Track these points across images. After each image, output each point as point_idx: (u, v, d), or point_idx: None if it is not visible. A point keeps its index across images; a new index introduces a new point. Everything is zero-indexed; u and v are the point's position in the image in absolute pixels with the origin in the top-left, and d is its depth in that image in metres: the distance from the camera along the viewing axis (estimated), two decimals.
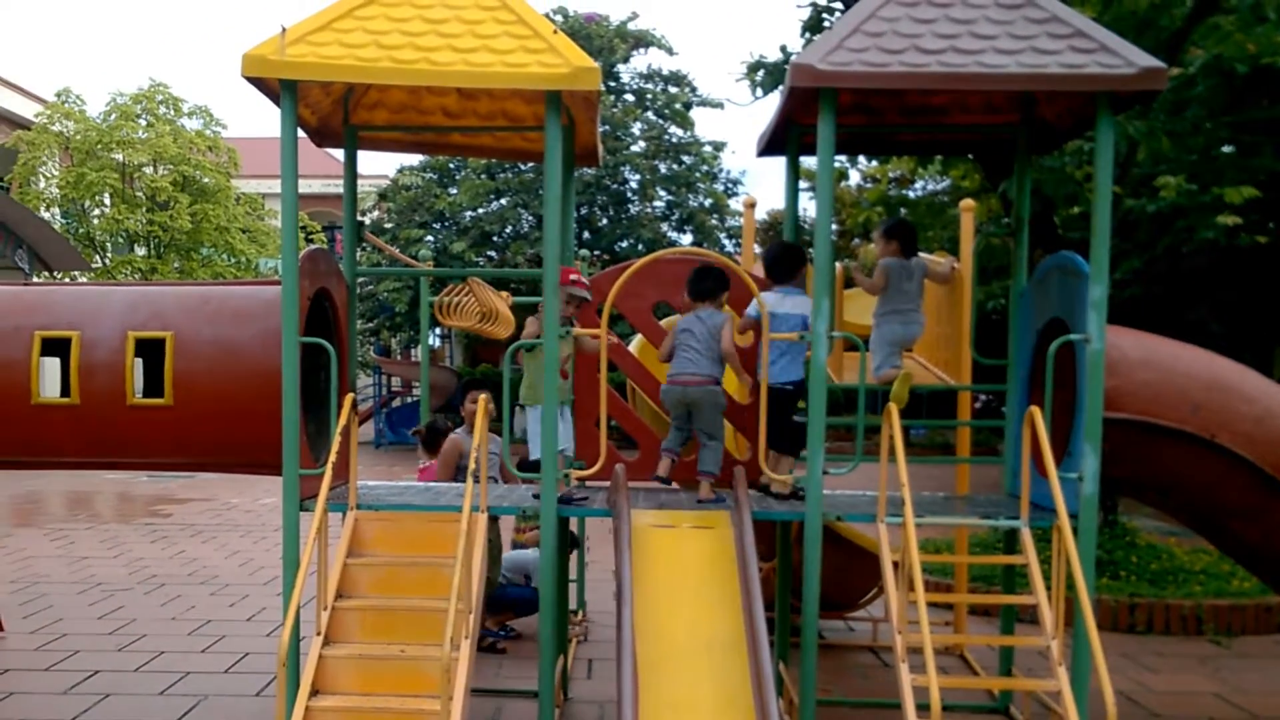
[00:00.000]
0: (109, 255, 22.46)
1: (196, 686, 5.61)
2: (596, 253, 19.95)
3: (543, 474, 4.35)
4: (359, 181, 5.33)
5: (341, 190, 5.23)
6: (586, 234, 20.69)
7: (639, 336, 5.81)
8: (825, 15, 8.96)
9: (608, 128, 20.05)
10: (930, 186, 15.83)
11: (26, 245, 17.04)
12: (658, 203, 21.44)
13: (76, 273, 19.56)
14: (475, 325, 4.79)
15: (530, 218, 20.22)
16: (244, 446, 4.73)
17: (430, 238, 20.67)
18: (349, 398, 4.34)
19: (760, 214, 25.13)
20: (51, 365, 4.80)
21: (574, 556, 6.65)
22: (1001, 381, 5.29)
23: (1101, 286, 4.14)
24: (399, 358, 25.63)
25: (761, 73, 9.08)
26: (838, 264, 5.93)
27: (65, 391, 4.75)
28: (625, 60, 21.55)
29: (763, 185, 55.12)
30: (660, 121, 21.48)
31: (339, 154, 5.36)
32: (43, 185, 21.78)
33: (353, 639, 4.02)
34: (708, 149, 21.67)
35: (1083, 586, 3.80)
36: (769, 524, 5.44)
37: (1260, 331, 12.36)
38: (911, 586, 3.88)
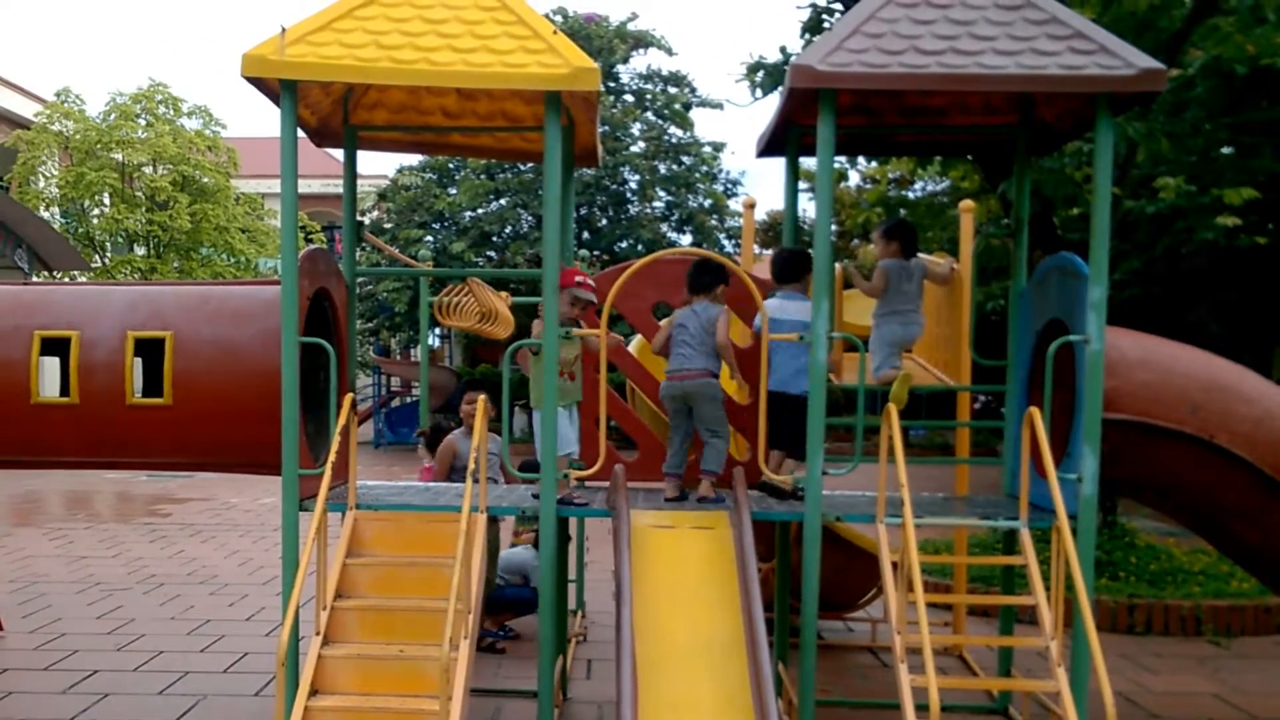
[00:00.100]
0: (108, 255, 22.47)
1: (195, 686, 5.61)
2: (596, 253, 19.94)
3: (542, 475, 4.35)
4: (358, 181, 5.33)
5: (341, 190, 5.23)
6: (586, 234, 20.69)
7: (638, 337, 5.81)
8: (825, 16, 8.97)
9: (607, 128, 20.05)
10: (930, 187, 15.83)
11: (26, 245, 17.05)
12: (657, 203, 21.44)
13: (76, 272, 19.57)
14: (475, 325, 4.79)
15: (530, 218, 20.21)
16: (243, 446, 4.73)
17: (430, 238, 20.67)
18: (348, 398, 4.34)
19: (760, 215, 25.15)
20: (51, 365, 4.80)
21: (573, 557, 6.65)
22: (1001, 382, 5.30)
23: (1101, 287, 4.14)
24: (398, 358, 25.62)
25: (761, 73, 9.09)
26: (837, 265, 5.93)
27: (65, 391, 4.75)
28: (625, 61, 21.55)
29: (762, 186, 55.18)
30: (660, 122, 21.48)
31: (338, 154, 5.36)
32: (42, 185, 21.78)
33: (352, 639, 4.02)
34: (707, 149, 21.67)
35: (1082, 587, 3.80)
36: (768, 524, 5.44)
37: (1259, 332, 12.36)
38: (910, 587, 3.88)
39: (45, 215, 20.47)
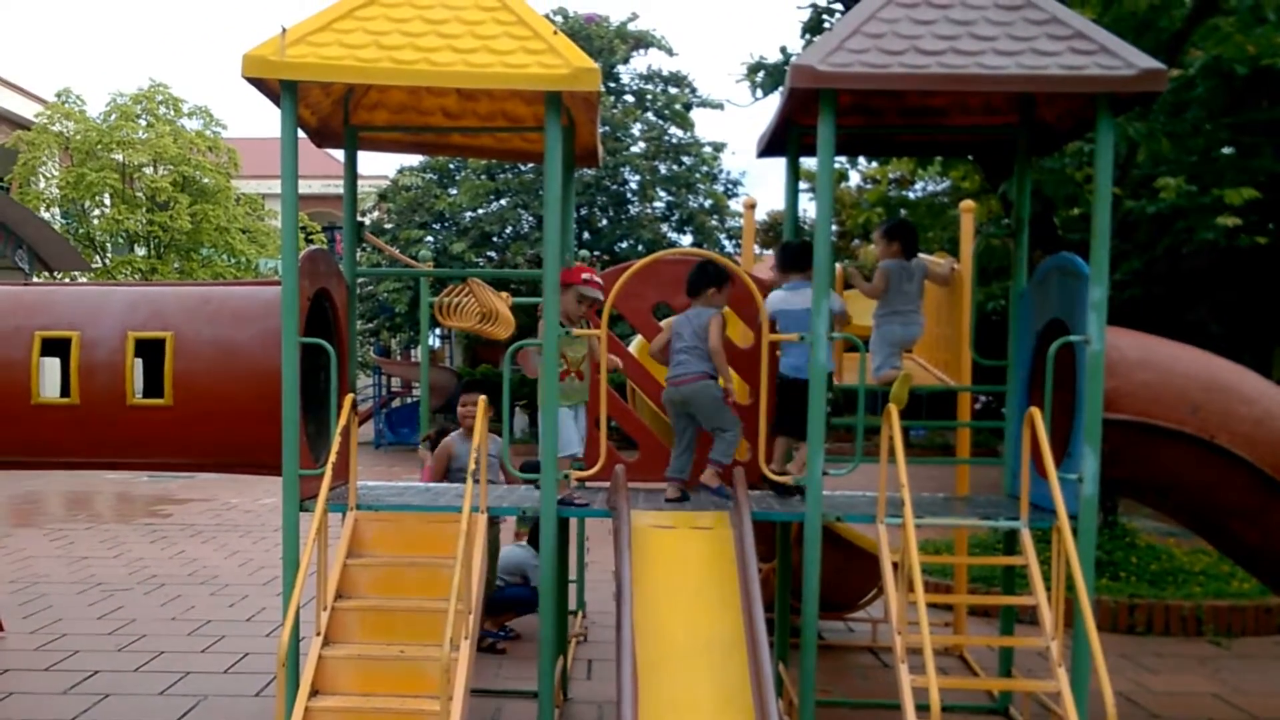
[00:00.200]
0: (109, 255, 22.47)
1: (196, 687, 5.61)
2: (596, 253, 19.95)
3: (542, 475, 4.35)
4: (359, 182, 5.33)
5: (341, 191, 5.23)
6: (586, 234, 20.69)
7: (638, 337, 5.81)
8: (825, 16, 8.96)
9: (607, 128, 20.05)
10: (930, 187, 15.82)
11: (26, 245, 17.05)
12: (658, 203, 21.43)
13: (76, 273, 19.57)
14: (475, 326, 4.79)
15: (530, 218, 20.22)
16: (244, 447, 4.73)
17: (430, 238, 20.67)
18: (349, 398, 4.34)
19: (760, 215, 25.15)
20: (51, 365, 4.80)
21: (573, 558, 6.65)
22: (1001, 382, 5.29)
23: (1101, 288, 4.14)
24: (399, 358, 25.62)
25: (761, 74, 9.08)
26: (837, 265, 5.93)
27: (65, 391, 4.75)
28: (625, 61, 21.55)
29: (763, 186, 55.18)
30: (660, 122, 21.47)
31: (339, 154, 5.36)
32: (43, 185, 21.79)
33: (352, 639, 4.02)
34: (708, 150, 21.67)
35: (1082, 587, 3.80)
36: (769, 524, 5.44)
37: (1260, 332, 12.36)
38: (911, 587, 3.88)
39: (46, 216, 20.47)
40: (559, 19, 21.16)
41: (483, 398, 4.48)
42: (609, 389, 4.79)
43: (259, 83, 4.14)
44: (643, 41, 21.53)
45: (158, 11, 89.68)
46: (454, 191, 20.88)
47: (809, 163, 5.51)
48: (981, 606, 6.99)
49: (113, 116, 21.75)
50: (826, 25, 8.85)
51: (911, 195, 15.03)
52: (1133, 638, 6.87)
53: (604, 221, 21.04)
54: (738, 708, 3.67)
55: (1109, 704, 3.40)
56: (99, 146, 21.24)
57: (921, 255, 5.33)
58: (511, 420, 5.58)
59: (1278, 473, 4.65)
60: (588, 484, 4.87)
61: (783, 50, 9.29)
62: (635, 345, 6.10)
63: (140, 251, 22.68)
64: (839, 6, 8.82)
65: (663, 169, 21.13)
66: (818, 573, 4.31)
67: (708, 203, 21.44)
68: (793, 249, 4.97)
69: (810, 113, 4.30)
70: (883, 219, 8.33)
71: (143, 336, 4.75)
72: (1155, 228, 9.03)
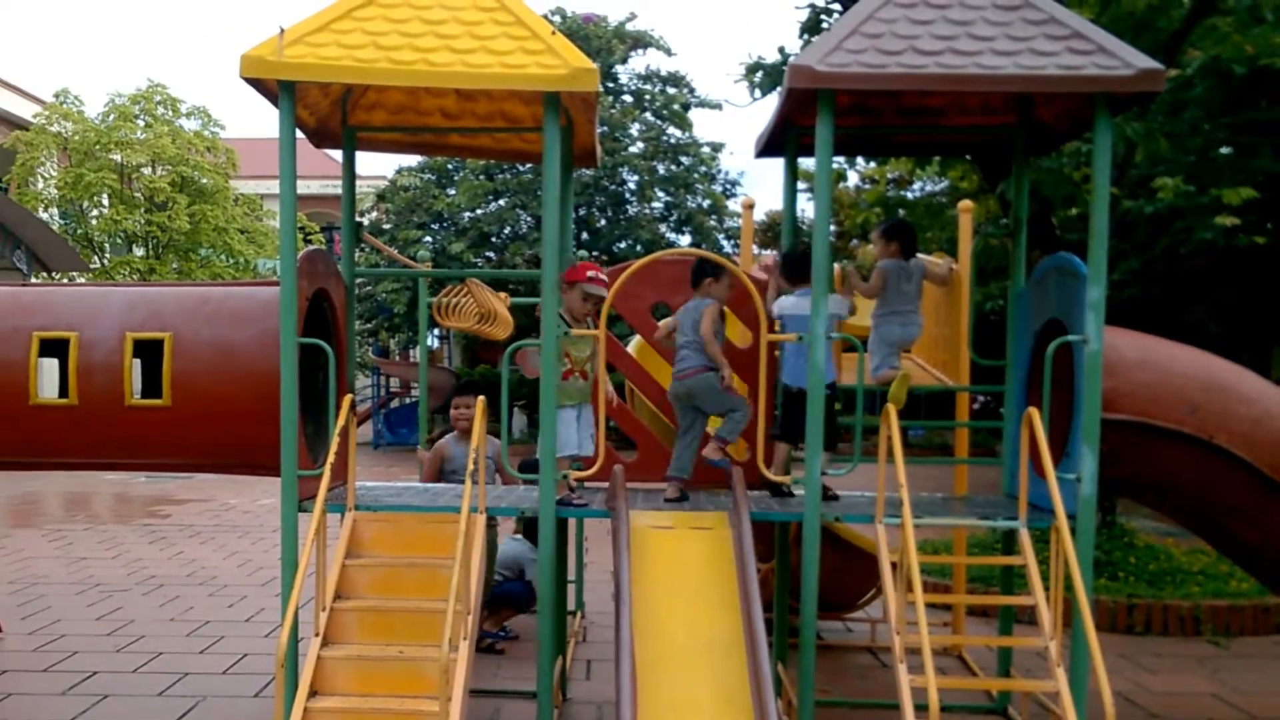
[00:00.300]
0: (107, 256, 22.47)
1: (195, 687, 5.61)
2: (595, 253, 19.95)
3: (541, 475, 4.35)
4: (357, 182, 5.33)
5: (340, 191, 5.23)
6: (585, 235, 20.69)
7: (637, 337, 5.81)
8: (823, 17, 8.97)
9: (606, 129, 20.05)
10: (928, 187, 15.83)
11: (25, 246, 17.05)
12: (656, 204, 21.42)
13: (75, 273, 19.57)
14: (474, 326, 4.79)
15: (529, 219, 20.21)
16: (242, 447, 4.73)
17: (428, 238, 20.66)
18: (347, 399, 4.34)
19: (758, 215, 25.15)
20: (50, 366, 4.80)
21: (572, 558, 6.64)
22: (999, 382, 5.29)
23: (1099, 287, 4.14)
24: (397, 358, 25.64)
25: (760, 74, 9.08)
26: (836, 265, 5.93)
27: (64, 392, 4.74)
28: (623, 61, 21.54)
29: (761, 186, 55.22)
30: (658, 122, 21.47)
31: (337, 155, 5.36)
32: (41, 186, 21.79)
33: (351, 640, 4.01)
34: (706, 150, 21.66)
35: (1081, 587, 3.80)
36: (768, 525, 5.44)
37: (1258, 332, 12.37)
38: (910, 587, 3.88)
39: (44, 216, 20.49)
40: (557, 19, 21.15)
41: (481, 398, 4.47)
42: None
43: (257, 83, 4.13)
44: (641, 41, 21.52)
45: (156, 12, 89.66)
46: (452, 192, 20.87)
47: (807, 163, 5.50)
48: (980, 606, 6.99)
49: (111, 117, 21.76)
50: (825, 25, 8.85)
51: (910, 195, 15.04)
52: (1131, 637, 6.88)
53: (602, 222, 21.04)
54: (737, 708, 3.67)
55: (1108, 704, 3.41)
56: (97, 147, 21.25)
57: (920, 255, 5.33)
58: (510, 421, 5.58)
59: (1277, 473, 4.65)
60: (586, 484, 4.86)
61: (781, 50, 9.30)
62: (634, 345, 6.10)
63: (138, 252, 22.68)
64: (837, 7, 8.82)
65: (661, 169, 21.12)
66: (816, 573, 4.31)
67: (706, 203, 21.44)
68: (798, 258, 4.96)
69: (808, 113, 4.29)
70: (881, 219, 8.34)
71: (141, 337, 4.74)
72: (1153, 227, 9.05)
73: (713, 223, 21.36)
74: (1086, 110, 4.36)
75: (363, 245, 12.95)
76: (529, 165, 18.38)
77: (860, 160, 12.21)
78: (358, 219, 5.23)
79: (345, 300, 5.09)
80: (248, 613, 7.21)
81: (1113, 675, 4.48)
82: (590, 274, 4.68)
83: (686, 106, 21.59)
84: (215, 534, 10.35)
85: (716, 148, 21.84)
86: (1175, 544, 8.27)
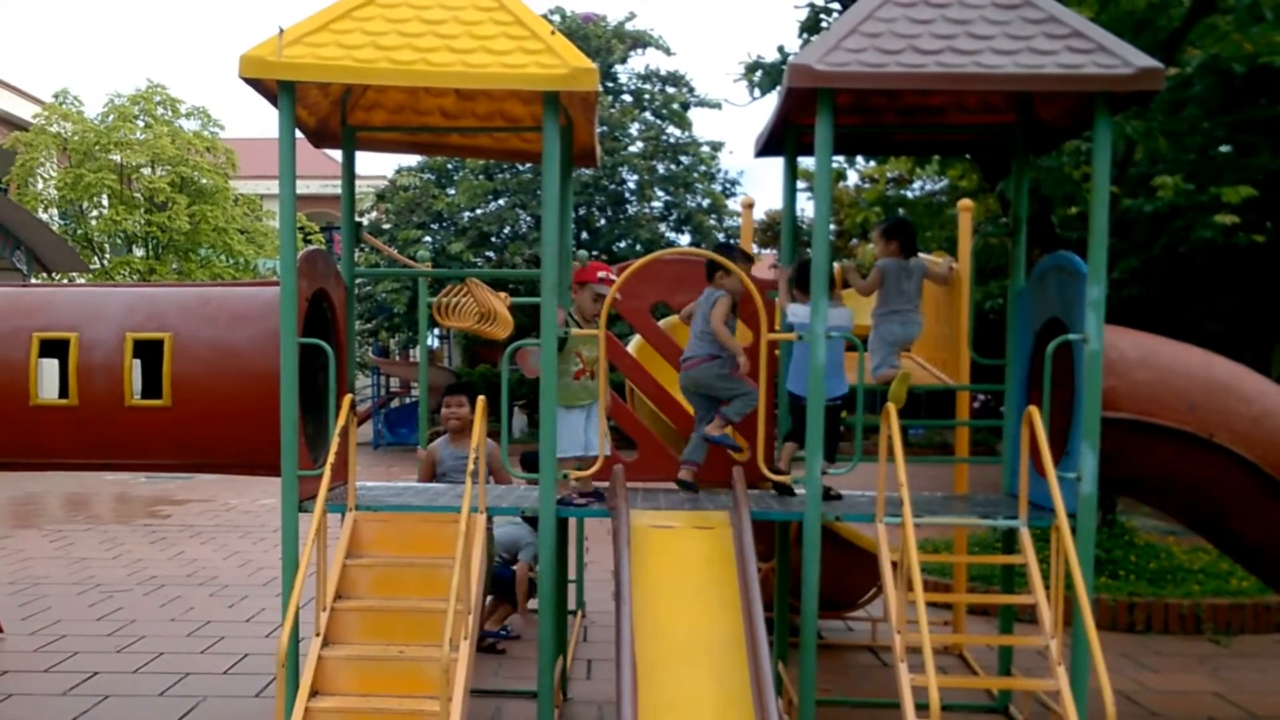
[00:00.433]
0: (107, 256, 22.47)
1: (196, 688, 5.61)
2: (595, 253, 19.95)
3: (541, 474, 4.35)
4: (357, 182, 5.33)
5: (339, 191, 5.22)
6: (584, 234, 20.69)
7: (637, 337, 5.81)
8: (823, 16, 8.96)
9: (605, 128, 20.05)
10: (928, 186, 15.83)
11: (25, 247, 17.05)
12: (655, 203, 21.44)
13: (75, 274, 19.57)
14: (473, 326, 4.79)
15: (528, 218, 20.22)
16: (242, 448, 4.73)
17: (428, 238, 20.67)
18: (347, 398, 4.34)
19: (758, 214, 25.17)
20: (50, 367, 4.80)
21: (572, 557, 6.65)
22: (1000, 381, 5.30)
23: (1099, 286, 4.14)
24: (397, 358, 25.62)
25: (759, 73, 9.08)
26: (835, 264, 5.93)
27: (64, 393, 4.74)
28: (623, 61, 21.55)
29: (761, 186, 55.22)
30: (658, 122, 21.48)
31: (337, 155, 5.36)
32: (40, 187, 21.79)
33: (352, 640, 4.01)
34: (705, 149, 21.67)
35: (1081, 586, 3.80)
36: (768, 524, 5.44)
37: (1259, 330, 12.36)
38: (910, 586, 3.88)
39: (43, 217, 20.48)
40: (556, 19, 21.16)
41: (481, 397, 4.47)
42: (609, 389, 4.78)
43: (256, 83, 4.13)
44: (640, 41, 21.53)
45: (155, 12, 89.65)
46: (452, 191, 20.88)
47: (807, 162, 5.50)
48: (981, 605, 6.99)
49: (110, 117, 21.76)
50: (824, 24, 8.85)
51: (909, 194, 15.03)
52: (1132, 636, 6.88)
53: (602, 221, 21.05)
54: (737, 707, 3.67)
55: (1108, 702, 3.40)
56: (97, 147, 21.25)
57: (920, 254, 5.33)
58: (510, 421, 5.58)
59: (1277, 471, 4.65)
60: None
61: (780, 49, 9.29)
62: (634, 345, 6.09)
63: (138, 252, 22.69)
64: (836, 6, 8.82)
65: (661, 168, 21.13)
66: (817, 572, 4.31)
67: (706, 202, 21.45)
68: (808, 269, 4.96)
69: (808, 112, 4.29)
70: (881, 218, 8.34)
71: (141, 337, 4.74)
72: (1153, 226, 9.03)
73: (712, 222, 21.38)
74: (1086, 109, 4.36)
75: (362, 245, 12.94)
76: (528, 165, 18.39)
77: (860, 159, 12.21)
78: (357, 219, 5.23)
79: (345, 300, 5.09)
80: (248, 613, 7.21)
81: (1113, 674, 4.49)
82: (601, 275, 4.68)
83: (686, 106, 21.61)
84: (216, 534, 10.35)
85: (716, 147, 21.86)
86: (1176, 542, 8.27)
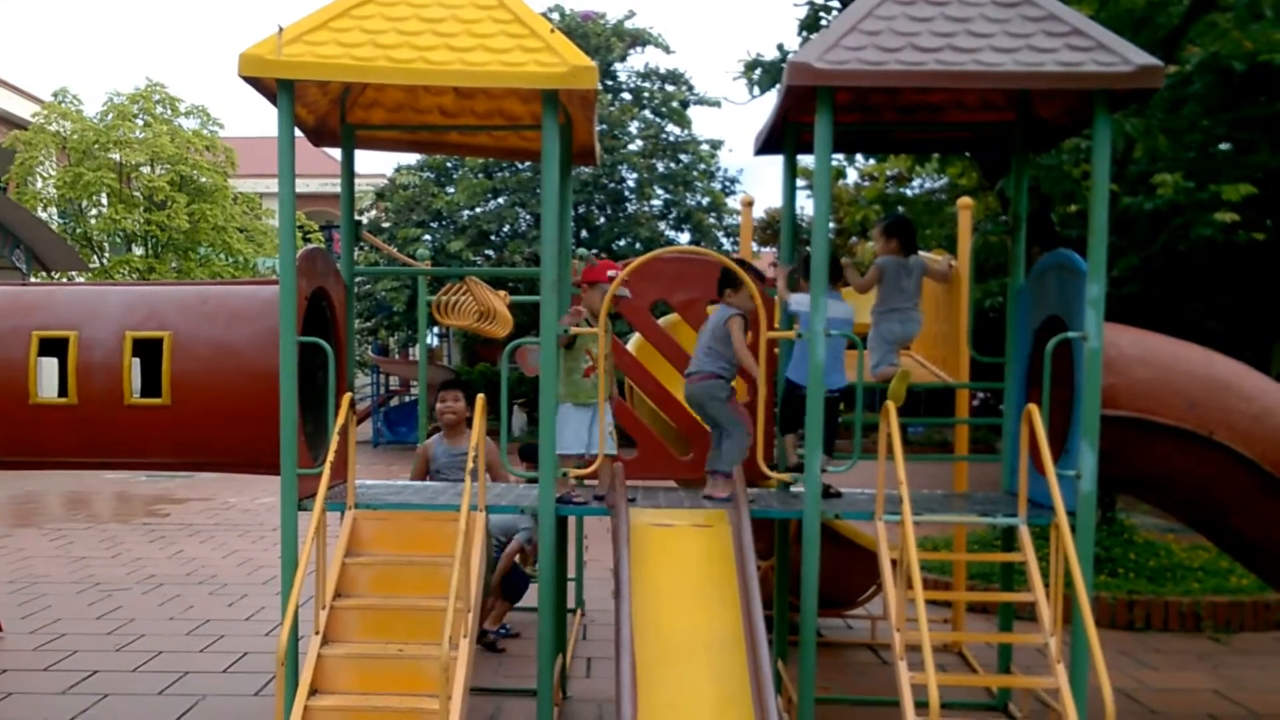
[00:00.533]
0: (106, 255, 22.45)
1: (195, 686, 5.61)
2: (595, 251, 19.95)
3: (540, 473, 4.34)
4: (356, 181, 5.33)
5: (339, 189, 5.22)
6: (584, 232, 20.69)
7: (637, 335, 5.81)
8: (822, 14, 8.96)
9: (605, 126, 20.05)
10: (928, 184, 15.82)
11: (24, 245, 17.04)
12: (655, 201, 21.44)
13: (74, 273, 19.56)
14: (473, 324, 4.79)
15: (528, 216, 20.21)
16: (242, 446, 4.73)
17: (428, 237, 20.66)
18: (347, 397, 4.33)
19: (758, 212, 25.15)
20: (49, 365, 4.80)
21: (572, 556, 6.64)
22: (999, 379, 5.29)
23: (1099, 284, 4.14)
24: (397, 357, 25.64)
25: (759, 71, 9.08)
26: (842, 258, 5.92)
27: (63, 392, 4.74)
28: (622, 59, 21.54)
29: (760, 184, 55.27)
30: (657, 120, 21.47)
31: (336, 153, 5.36)
32: (40, 185, 21.76)
33: (351, 638, 4.01)
34: (705, 147, 21.67)
35: (1081, 584, 3.80)
36: (767, 522, 5.44)
37: (1259, 328, 12.36)
38: (910, 584, 3.88)
39: (43, 216, 20.47)
40: (555, 17, 21.15)
41: (480, 395, 4.47)
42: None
43: (256, 82, 4.13)
44: (640, 39, 21.52)
45: (154, 11, 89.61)
46: (451, 190, 20.88)
47: (806, 160, 5.50)
48: (980, 603, 6.99)
49: (110, 116, 21.73)
50: (824, 22, 8.85)
51: (909, 192, 15.02)
52: (1131, 634, 6.88)
53: (602, 219, 21.05)
54: (737, 705, 3.67)
55: (1108, 700, 3.40)
56: (96, 146, 21.23)
57: (920, 252, 5.33)
58: (510, 419, 5.58)
59: (1277, 469, 4.65)
60: (586, 482, 4.86)
61: (780, 47, 9.29)
62: (634, 343, 6.09)
63: (138, 251, 22.67)
64: (836, 4, 8.82)
65: (660, 167, 21.13)
66: (816, 570, 4.31)
67: (705, 200, 21.45)
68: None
69: (807, 110, 4.29)
70: (880, 216, 8.34)
71: (140, 336, 4.74)
72: (1153, 224, 9.03)
73: (712, 220, 21.38)
74: (1086, 106, 4.35)
75: (362, 244, 12.94)
76: (528, 163, 18.36)
77: (859, 157, 12.22)
78: (357, 217, 5.22)
79: (344, 299, 5.09)
80: (248, 611, 7.21)
81: (1113, 672, 4.48)
82: (611, 274, 4.67)
83: (685, 104, 21.60)
84: (215, 533, 10.35)
85: (715, 145, 21.86)
86: (1175, 540, 8.27)
